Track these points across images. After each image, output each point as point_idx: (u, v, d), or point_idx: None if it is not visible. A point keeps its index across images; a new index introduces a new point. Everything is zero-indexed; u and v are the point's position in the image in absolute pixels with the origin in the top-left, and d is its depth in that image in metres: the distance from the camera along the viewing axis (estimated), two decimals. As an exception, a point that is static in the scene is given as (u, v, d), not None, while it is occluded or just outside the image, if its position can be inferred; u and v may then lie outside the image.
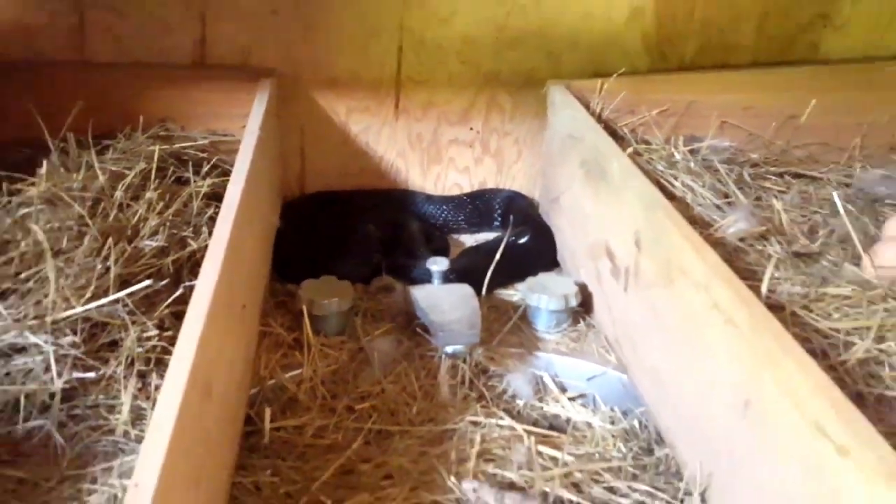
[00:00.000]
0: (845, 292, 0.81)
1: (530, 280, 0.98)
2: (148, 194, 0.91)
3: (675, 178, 0.98)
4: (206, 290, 0.65)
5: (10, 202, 0.86)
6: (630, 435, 0.81)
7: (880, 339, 0.74)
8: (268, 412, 0.79)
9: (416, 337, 0.93)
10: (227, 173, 0.96)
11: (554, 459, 0.75)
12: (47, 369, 0.71)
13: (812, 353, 0.71)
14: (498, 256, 0.94)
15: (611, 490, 0.73)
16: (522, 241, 1.08)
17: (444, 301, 0.90)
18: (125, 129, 1.06)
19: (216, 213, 0.83)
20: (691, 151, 1.07)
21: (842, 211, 0.90)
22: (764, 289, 0.72)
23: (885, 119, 1.15)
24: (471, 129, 1.19)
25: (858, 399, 0.71)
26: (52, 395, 0.71)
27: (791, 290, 0.80)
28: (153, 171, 0.96)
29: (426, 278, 0.97)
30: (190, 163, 1.00)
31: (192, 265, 0.86)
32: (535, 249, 1.07)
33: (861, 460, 0.49)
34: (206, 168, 1.01)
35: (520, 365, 0.89)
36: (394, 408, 0.84)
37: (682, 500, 0.70)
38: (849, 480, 0.49)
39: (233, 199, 0.79)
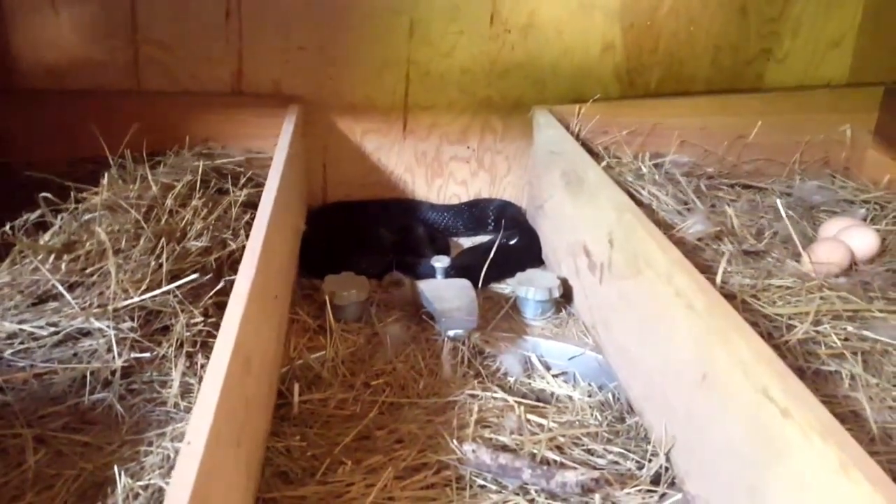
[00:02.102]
0: (787, 283, 0.80)
1: (519, 275, 0.94)
2: (194, 202, 0.88)
3: (642, 188, 0.96)
4: (246, 282, 0.64)
5: (76, 209, 0.83)
6: (605, 406, 0.79)
7: (817, 322, 0.74)
8: (296, 387, 0.78)
9: (422, 323, 0.90)
10: (260, 185, 0.93)
11: (540, 426, 0.74)
12: (109, 350, 0.69)
13: (759, 334, 0.71)
14: (491, 255, 0.92)
15: (589, 452, 0.72)
16: (513, 242, 1.04)
17: (446, 292, 0.87)
18: (174, 147, 1.02)
19: (251, 219, 0.82)
20: (656, 166, 1.04)
21: (784, 216, 0.89)
22: (718, 279, 0.71)
23: (820, 138, 1.13)
24: (468, 147, 1.14)
25: (799, 373, 0.70)
26: (113, 373, 0.69)
27: (741, 282, 0.79)
28: (198, 183, 0.93)
29: (431, 274, 0.94)
30: (229, 176, 0.97)
31: (232, 262, 0.83)
32: (523, 249, 1.04)
33: (801, 420, 0.49)
34: (242, 180, 0.97)
35: (511, 347, 0.87)
36: (404, 383, 0.82)
37: (649, 460, 0.69)
38: (790, 437, 0.49)
39: (266, 206, 0.77)
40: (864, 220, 1.00)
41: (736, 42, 1.12)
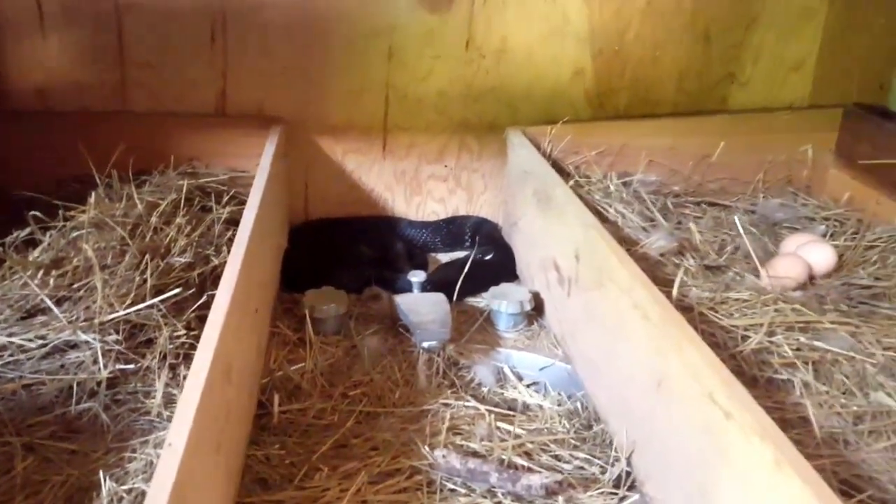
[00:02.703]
0: (744, 297, 0.83)
1: (493, 289, 0.97)
2: (178, 220, 0.91)
3: (610, 206, 0.99)
4: (226, 295, 0.66)
5: (64, 226, 0.86)
6: (573, 414, 0.82)
7: (771, 333, 0.77)
8: (276, 398, 0.80)
9: (399, 336, 0.93)
10: (243, 203, 0.92)
11: (510, 433, 0.76)
12: (95, 362, 0.72)
13: (716, 344, 0.75)
14: (466, 270, 0.95)
15: (556, 457, 0.75)
16: (488, 258, 1.07)
17: (421, 306, 0.89)
18: (159, 167, 1.04)
19: (234, 236, 0.82)
20: (624, 184, 1.07)
21: (741, 231, 0.93)
22: (674, 292, 0.74)
23: (782, 158, 1.16)
24: (445, 166, 1.17)
25: (752, 381, 0.74)
26: (98, 383, 0.72)
27: (700, 295, 0.83)
28: (182, 201, 0.95)
29: (408, 288, 0.96)
30: (213, 194, 0.99)
31: (214, 278, 0.85)
32: (498, 265, 1.06)
33: (741, 422, 0.52)
34: (225, 199, 0.99)
35: (484, 358, 0.90)
36: (380, 393, 0.84)
37: (612, 464, 0.71)
38: (733, 437, 0.53)
39: (247, 223, 0.80)
40: (824, 236, 1.04)
41: (700, 67, 1.16)
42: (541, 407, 0.84)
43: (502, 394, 0.86)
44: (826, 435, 0.67)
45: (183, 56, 1.08)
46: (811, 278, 0.94)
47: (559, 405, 0.84)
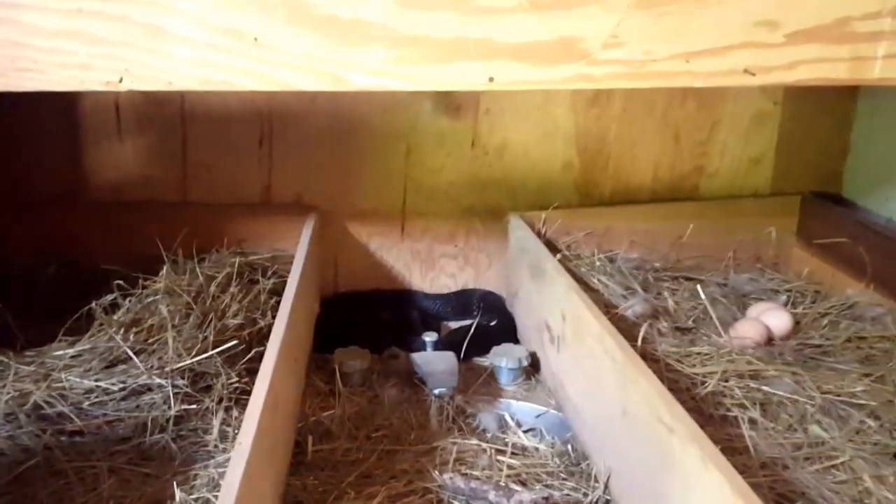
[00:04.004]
0: (705, 351, 0.95)
1: (495, 348, 1.08)
2: (231, 289, 1.03)
3: (594, 277, 1.11)
4: (274, 348, 0.79)
5: (141, 293, 0.99)
6: (564, 454, 0.91)
7: (725, 379, 0.89)
8: (310, 439, 0.90)
9: (414, 388, 1.03)
10: (283, 277, 1.09)
11: (508, 465, 0.87)
12: (165, 402, 0.85)
13: (678, 388, 0.88)
14: (471, 332, 1.08)
15: (548, 486, 0.85)
16: (493, 323, 1.19)
17: (433, 360, 1.02)
18: (215, 247, 1.16)
19: (276, 303, 0.97)
20: (609, 260, 1.19)
21: (704, 299, 1.07)
22: (639, 341, 0.87)
23: (750, 238, 1.27)
24: (455, 246, 1.28)
25: (709, 418, 0.86)
26: (167, 420, 0.84)
27: (668, 349, 0.95)
28: (234, 275, 1.07)
29: (422, 347, 1.08)
30: (259, 269, 1.12)
31: (260, 337, 0.97)
32: (501, 329, 1.18)
33: (682, 436, 0.65)
34: (269, 273, 1.11)
35: (487, 407, 1.00)
36: (398, 434, 0.94)
37: (593, 489, 0.83)
38: (677, 450, 0.66)
39: (290, 292, 0.92)
40: (785, 304, 1.16)
41: (672, 161, 1.29)
42: (536, 449, 0.94)
43: (504, 438, 0.95)
44: (767, 460, 0.79)
45: (236, 156, 1.23)
46: (770, 340, 1.06)
47: (552, 447, 0.94)
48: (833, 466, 0.78)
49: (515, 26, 0.78)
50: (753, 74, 0.81)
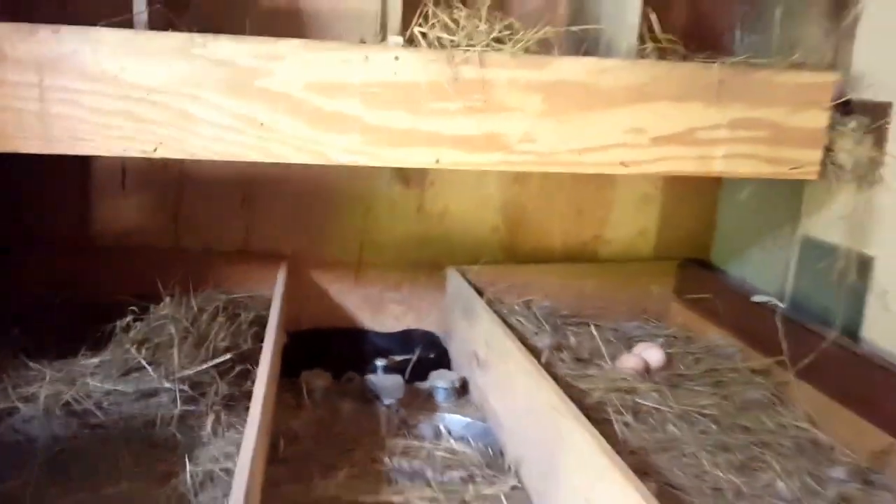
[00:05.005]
0: (594, 374, 1.19)
1: (433, 373, 1.29)
2: (219, 319, 1.18)
3: (513, 318, 1.31)
4: (266, 363, 0.97)
5: (149, 317, 1.16)
6: (486, 454, 1.10)
7: (607, 393, 1.14)
8: (282, 441, 1.09)
9: (367, 403, 1.22)
10: (260, 312, 1.26)
11: (442, 457, 1.08)
12: (172, 402, 1.02)
13: (572, 397, 1.09)
14: (413, 360, 1.31)
15: (471, 473, 1.05)
16: (431, 356, 1.41)
17: (383, 379, 1.22)
18: (202, 287, 1.29)
19: (255, 332, 1.17)
20: (526, 307, 1.40)
21: (596, 336, 1.32)
22: (543, 360, 1.09)
23: (637, 293, 1.50)
24: (401, 293, 1.46)
25: (594, 420, 1.08)
26: (172, 417, 1.00)
27: (567, 372, 1.18)
28: (220, 309, 1.22)
29: (374, 371, 1.27)
30: (241, 305, 1.27)
31: (242, 358, 1.13)
32: (437, 359, 1.39)
33: (570, 420, 0.89)
34: (249, 309, 1.28)
35: (426, 418, 1.19)
36: (355, 437, 1.12)
37: (507, 473, 1.04)
38: (566, 432, 0.89)
39: (272, 322, 1.10)
40: (661, 345, 1.43)
41: (577, 230, 1.52)
42: (464, 450, 1.14)
43: (438, 443, 1.15)
44: (635, 449, 1.02)
45: (221, 212, 1.41)
46: (648, 370, 1.32)
47: (477, 449, 1.13)
48: (682, 455, 1.02)
49: (455, 124, 1.05)
50: (627, 166, 1.10)
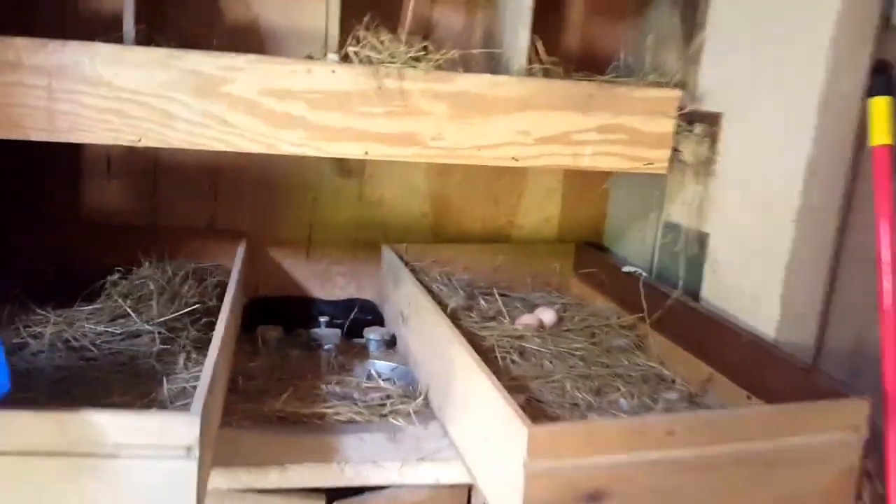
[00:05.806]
0: (494, 325, 1.45)
1: (367, 329, 1.52)
2: (189, 282, 1.38)
3: (434, 286, 1.56)
4: (224, 315, 1.16)
5: (132, 276, 1.38)
6: (408, 390, 1.34)
7: (499, 339, 1.42)
8: (240, 378, 1.31)
9: (312, 352, 1.45)
10: (223, 279, 1.47)
11: (369, 388, 1.34)
12: (152, 342, 1.22)
13: (473, 343, 1.37)
14: (351, 318, 1.57)
15: (389, 395, 1.31)
16: (369, 318, 1.64)
17: (325, 332, 1.47)
18: (176, 257, 1.48)
19: (218, 294, 1.37)
20: (447, 278, 1.64)
21: (499, 301, 1.58)
22: (448, 311, 1.37)
23: (542, 270, 1.75)
24: (344, 267, 1.65)
25: (487, 359, 1.37)
26: (152, 353, 1.21)
27: (472, 325, 1.45)
28: (190, 274, 1.42)
29: (318, 326, 1.51)
30: (207, 272, 1.47)
31: (208, 312, 1.34)
32: (373, 319, 1.62)
33: (459, 347, 1.15)
34: (213, 275, 1.49)
35: (360, 364, 1.43)
36: (300, 375, 1.34)
37: (419, 397, 1.30)
38: (457, 358, 1.15)
39: (232, 284, 1.29)
40: (555, 308, 1.69)
41: (493, 216, 1.74)
42: (388, 388, 1.41)
43: (370, 384, 1.40)
44: (515, 376, 1.29)
45: (191, 195, 1.62)
46: (542, 327, 1.59)
47: (401, 387, 1.37)
48: (552, 381, 1.29)
49: (380, 124, 1.30)
50: (517, 160, 1.36)
